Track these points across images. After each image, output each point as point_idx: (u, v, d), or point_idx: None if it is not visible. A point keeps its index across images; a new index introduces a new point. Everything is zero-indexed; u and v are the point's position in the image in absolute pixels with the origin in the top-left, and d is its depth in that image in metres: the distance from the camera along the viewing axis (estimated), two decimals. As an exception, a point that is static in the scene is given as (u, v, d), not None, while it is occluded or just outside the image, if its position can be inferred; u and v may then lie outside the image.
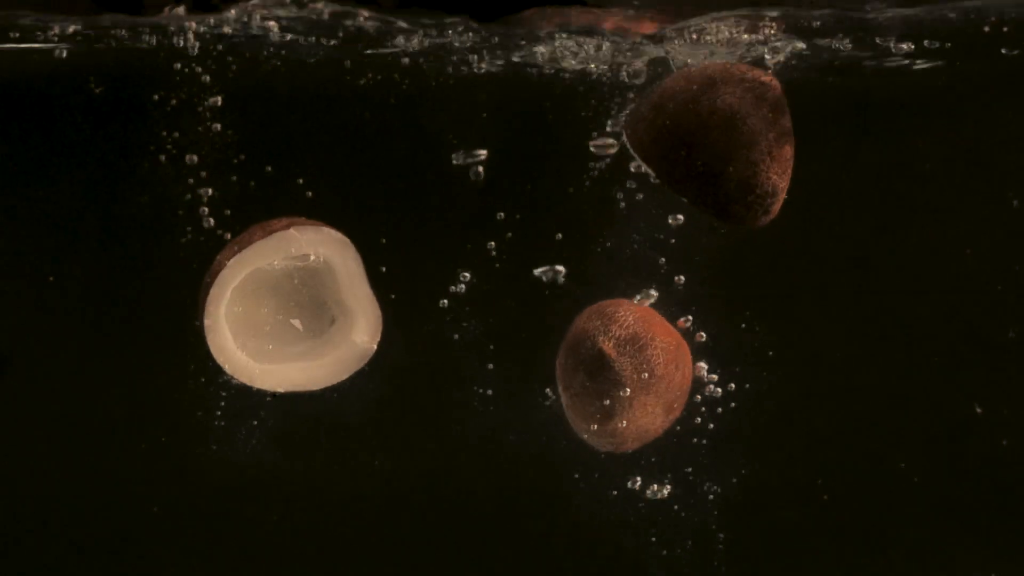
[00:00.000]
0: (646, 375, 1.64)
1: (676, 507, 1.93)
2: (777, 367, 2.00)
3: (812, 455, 2.06)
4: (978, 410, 2.04)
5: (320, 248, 1.66)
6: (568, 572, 2.09)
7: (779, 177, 1.59)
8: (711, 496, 1.97)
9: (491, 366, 1.95)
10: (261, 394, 1.95)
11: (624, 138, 1.64)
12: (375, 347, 1.69)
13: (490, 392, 1.96)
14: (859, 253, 2.07)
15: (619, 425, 1.64)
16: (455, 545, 2.08)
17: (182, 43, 1.82)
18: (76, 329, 2.02)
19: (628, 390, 1.64)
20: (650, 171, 1.61)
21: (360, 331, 1.69)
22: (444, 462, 2.04)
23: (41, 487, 2.03)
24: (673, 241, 1.80)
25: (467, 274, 1.87)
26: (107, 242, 2.01)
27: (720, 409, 1.88)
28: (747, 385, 1.95)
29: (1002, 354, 2.06)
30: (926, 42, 1.87)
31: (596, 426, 1.65)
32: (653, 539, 1.97)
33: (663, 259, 1.81)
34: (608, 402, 1.64)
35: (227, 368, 1.65)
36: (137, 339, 2.01)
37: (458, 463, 2.03)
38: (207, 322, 1.62)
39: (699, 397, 1.83)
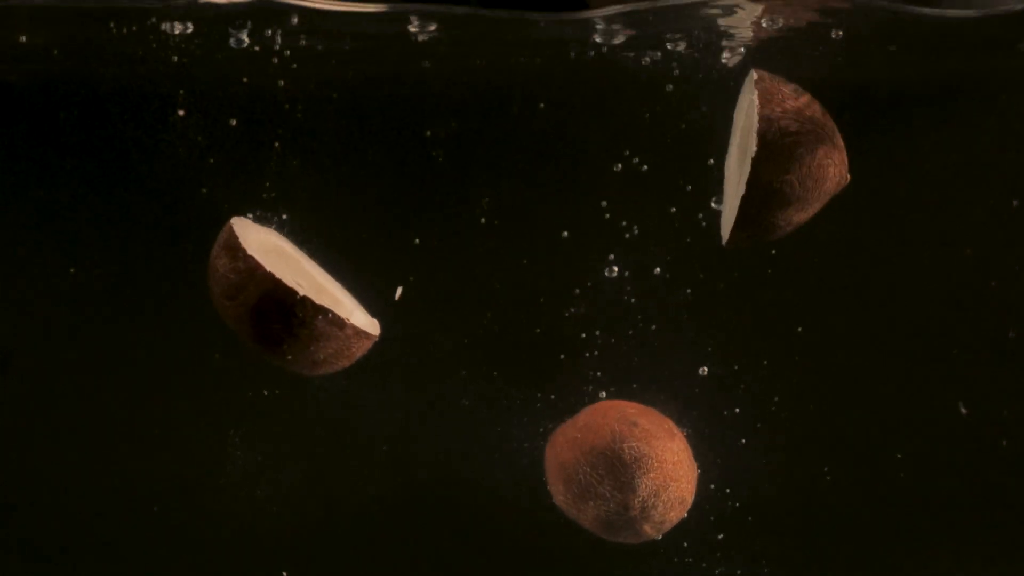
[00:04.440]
0: (633, 469, 1.66)
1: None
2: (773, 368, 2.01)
3: (810, 453, 2.06)
4: (963, 411, 2.04)
5: (268, 235, 1.77)
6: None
7: (776, 235, 1.69)
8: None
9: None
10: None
11: (754, 96, 1.66)
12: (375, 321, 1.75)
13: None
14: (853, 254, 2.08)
15: (675, 491, 1.68)
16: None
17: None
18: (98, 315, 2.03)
19: (646, 488, 1.66)
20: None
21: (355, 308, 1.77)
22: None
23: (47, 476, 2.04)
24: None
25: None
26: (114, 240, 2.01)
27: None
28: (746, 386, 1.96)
29: (1002, 354, 2.07)
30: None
31: (673, 516, 1.71)
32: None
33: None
34: (658, 509, 1.68)
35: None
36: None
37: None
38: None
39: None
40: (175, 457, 2.02)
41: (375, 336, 1.72)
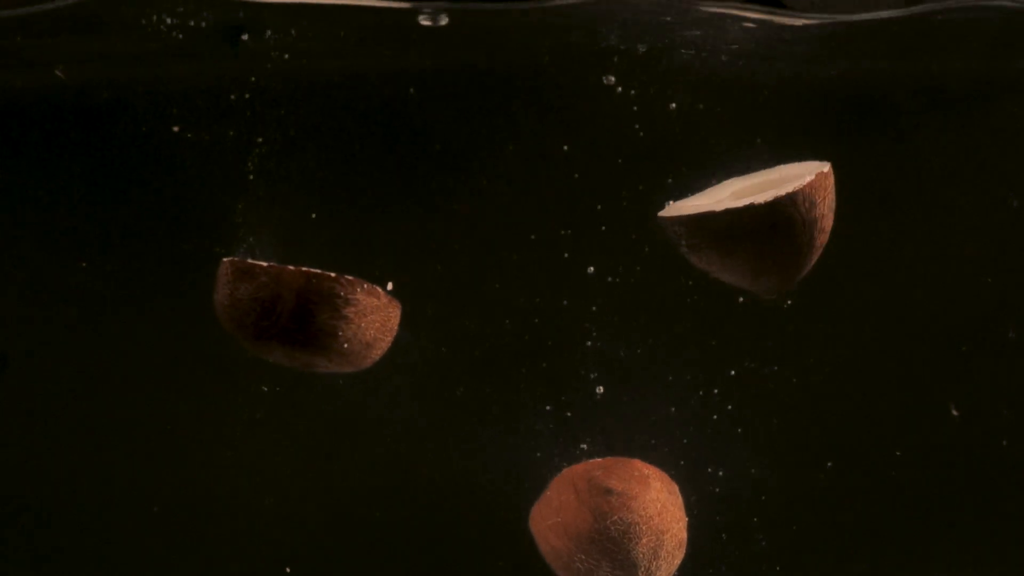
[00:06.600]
0: (625, 544, 1.64)
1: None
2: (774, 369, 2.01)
3: (811, 454, 2.07)
4: (954, 412, 2.05)
5: None
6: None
7: (691, 260, 1.70)
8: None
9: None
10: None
11: (809, 178, 1.68)
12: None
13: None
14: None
15: (671, 540, 1.67)
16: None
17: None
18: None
19: (644, 556, 1.65)
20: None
21: None
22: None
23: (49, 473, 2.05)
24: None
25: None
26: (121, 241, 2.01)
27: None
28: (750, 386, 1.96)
29: (1002, 354, 2.07)
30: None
31: (678, 561, 1.70)
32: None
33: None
34: (663, 568, 1.68)
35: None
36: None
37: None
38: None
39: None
40: (174, 457, 2.03)
41: (399, 304, 1.70)
